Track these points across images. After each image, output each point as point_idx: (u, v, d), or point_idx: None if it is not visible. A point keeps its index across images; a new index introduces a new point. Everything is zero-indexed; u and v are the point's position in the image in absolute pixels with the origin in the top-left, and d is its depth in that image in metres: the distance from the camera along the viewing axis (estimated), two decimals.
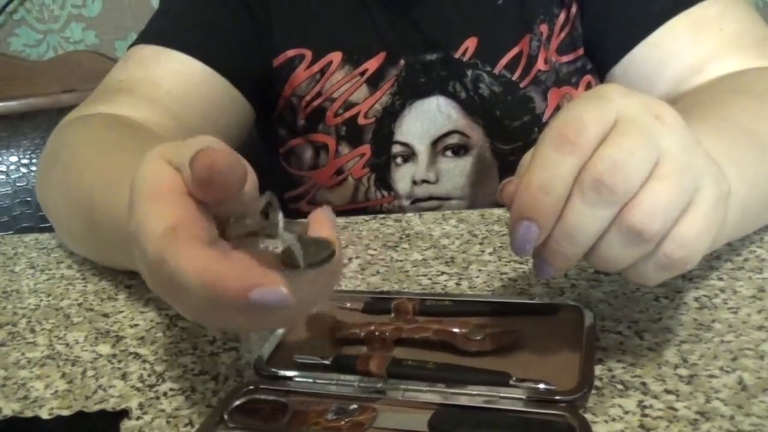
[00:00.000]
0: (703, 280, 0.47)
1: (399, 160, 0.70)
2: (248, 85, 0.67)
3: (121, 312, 0.50)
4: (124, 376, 0.42)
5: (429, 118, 0.68)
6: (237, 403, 0.37)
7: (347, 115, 0.69)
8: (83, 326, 0.49)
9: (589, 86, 0.68)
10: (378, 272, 0.53)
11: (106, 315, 0.50)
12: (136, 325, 0.48)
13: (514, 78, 0.67)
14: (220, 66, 0.65)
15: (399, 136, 0.69)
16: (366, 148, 0.69)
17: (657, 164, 0.32)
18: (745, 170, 0.43)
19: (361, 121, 0.69)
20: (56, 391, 0.41)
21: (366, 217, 0.64)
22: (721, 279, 0.47)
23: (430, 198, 0.71)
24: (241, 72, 0.67)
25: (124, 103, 0.62)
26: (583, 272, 0.49)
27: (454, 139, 0.68)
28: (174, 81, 0.64)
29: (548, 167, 0.32)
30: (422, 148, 0.69)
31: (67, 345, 0.46)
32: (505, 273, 0.51)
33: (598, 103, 0.33)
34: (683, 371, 0.38)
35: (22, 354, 0.46)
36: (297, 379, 0.39)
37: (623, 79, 0.63)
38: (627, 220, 0.32)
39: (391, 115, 0.69)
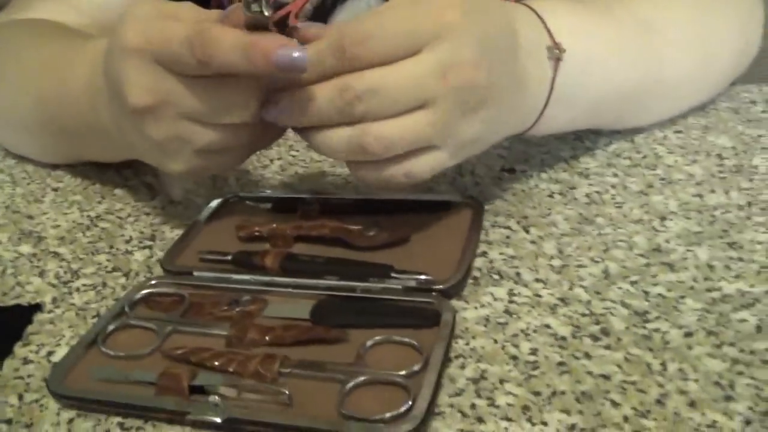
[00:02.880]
0: (599, 176, 0.49)
1: None
2: None
3: (46, 213, 0.52)
4: (41, 274, 0.45)
5: (360, 14, 0.68)
6: (139, 295, 0.40)
7: (278, 15, 0.69)
8: (7, 228, 0.51)
9: None
10: (297, 173, 0.55)
11: (30, 217, 0.52)
12: (58, 225, 0.50)
13: None
14: None
15: None
16: None
17: (415, 111, 0.35)
18: (611, 70, 0.46)
19: (292, 21, 0.69)
20: None
21: None
22: (616, 175, 0.49)
23: None
24: None
25: (45, 9, 0.62)
26: (490, 171, 0.51)
27: None
28: None
29: (318, 52, 0.35)
30: None
31: None
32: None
33: (415, 24, 0.35)
34: (556, 262, 0.41)
35: None
36: (197, 273, 0.42)
37: None
38: (359, 135, 0.35)
39: (322, 15, 0.68)
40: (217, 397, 0.32)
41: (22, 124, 0.57)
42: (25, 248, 0.48)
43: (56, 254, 0.47)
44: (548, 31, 0.43)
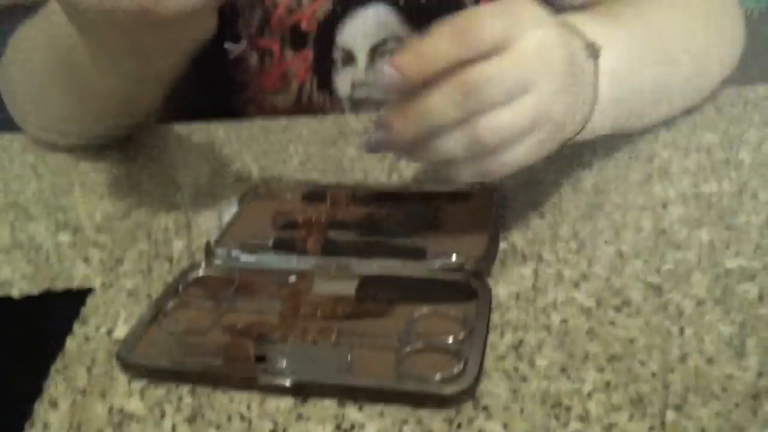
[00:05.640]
0: (601, 169, 0.54)
1: (340, 64, 0.73)
2: None
3: (77, 206, 0.54)
4: (86, 260, 0.47)
5: (368, 25, 0.71)
6: (190, 278, 0.43)
7: (290, 20, 0.72)
8: (42, 218, 0.53)
9: None
10: (315, 167, 0.58)
11: (62, 208, 0.54)
12: (93, 216, 0.52)
13: None
14: None
15: (340, 41, 0.72)
16: (309, 53, 0.72)
17: (521, 96, 0.37)
18: (632, 76, 0.49)
19: (304, 26, 0.72)
20: (23, 275, 0.46)
21: (306, 118, 0.68)
22: (617, 168, 0.54)
23: (369, 100, 0.75)
24: None
25: None
26: None
27: (392, 45, 0.72)
28: None
29: (434, 45, 0.36)
30: (362, 55, 0.72)
31: (29, 235, 0.50)
32: (432, 165, 0.56)
33: (508, 19, 0.37)
34: (573, 244, 0.45)
35: None
36: (242, 258, 0.44)
37: None
38: (476, 129, 0.37)
39: (332, 21, 0.72)
40: (284, 363, 0.35)
41: (42, 78, 0.59)
42: (65, 237, 0.50)
43: (96, 243, 0.49)
44: (580, 33, 0.47)
